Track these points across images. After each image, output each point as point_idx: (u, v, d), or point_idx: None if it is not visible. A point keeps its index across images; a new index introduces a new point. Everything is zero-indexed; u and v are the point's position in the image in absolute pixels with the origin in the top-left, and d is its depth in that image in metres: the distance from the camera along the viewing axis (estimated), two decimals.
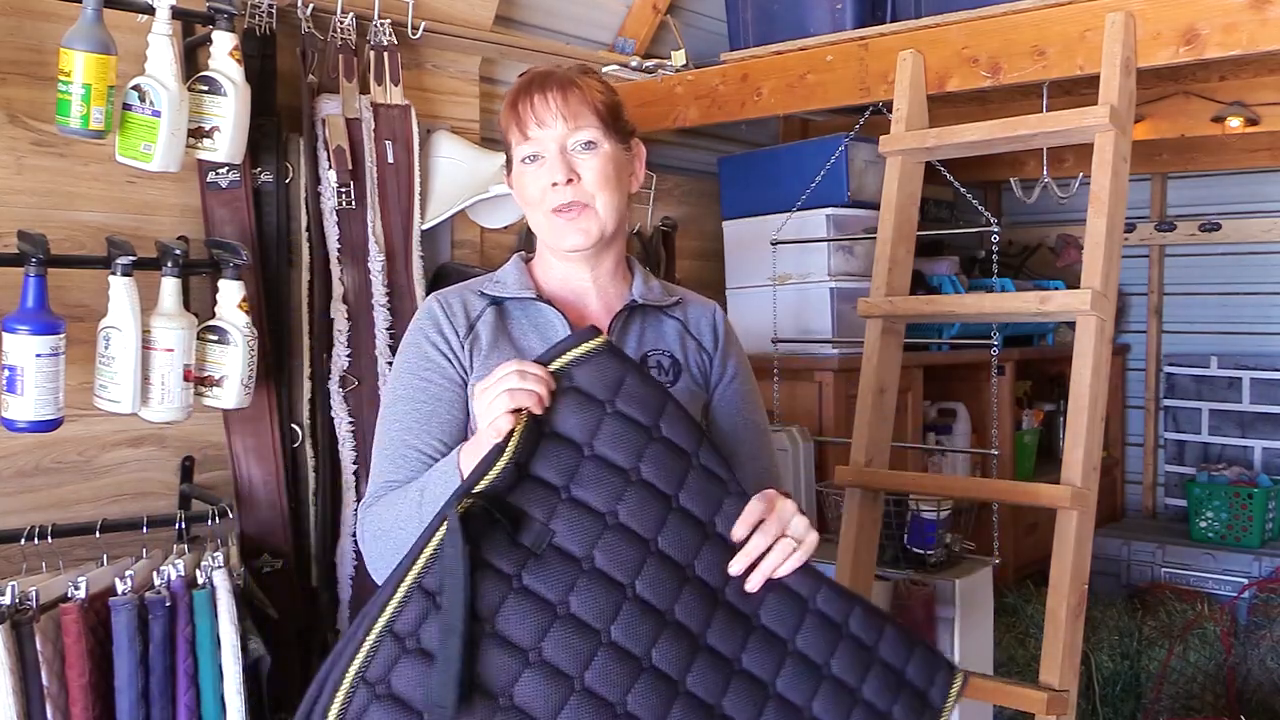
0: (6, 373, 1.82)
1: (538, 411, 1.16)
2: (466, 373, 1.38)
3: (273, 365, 2.26)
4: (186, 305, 2.06)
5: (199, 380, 2.05)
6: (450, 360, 1.38)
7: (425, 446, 1.34)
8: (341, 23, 2.39)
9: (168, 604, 1.85)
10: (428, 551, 1.12)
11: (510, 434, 1.14)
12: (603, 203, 1.38)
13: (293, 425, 2.30)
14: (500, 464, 1.14)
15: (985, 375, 3.03)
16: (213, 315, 2.08)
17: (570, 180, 1.36)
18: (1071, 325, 2.31)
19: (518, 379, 1.15)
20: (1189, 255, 4.46)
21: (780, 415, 3.07)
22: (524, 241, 2.91)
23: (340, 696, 1.08)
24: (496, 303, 1.43)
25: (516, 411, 1.15)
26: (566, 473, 1.17)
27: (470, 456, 1.20)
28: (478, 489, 1.13)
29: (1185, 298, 4.49)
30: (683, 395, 1.39)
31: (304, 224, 2.33)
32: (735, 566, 1.22)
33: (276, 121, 2.30)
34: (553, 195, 1.37)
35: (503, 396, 1.15)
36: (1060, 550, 2.08)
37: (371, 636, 1.10)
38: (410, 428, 1.35)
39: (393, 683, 1.09)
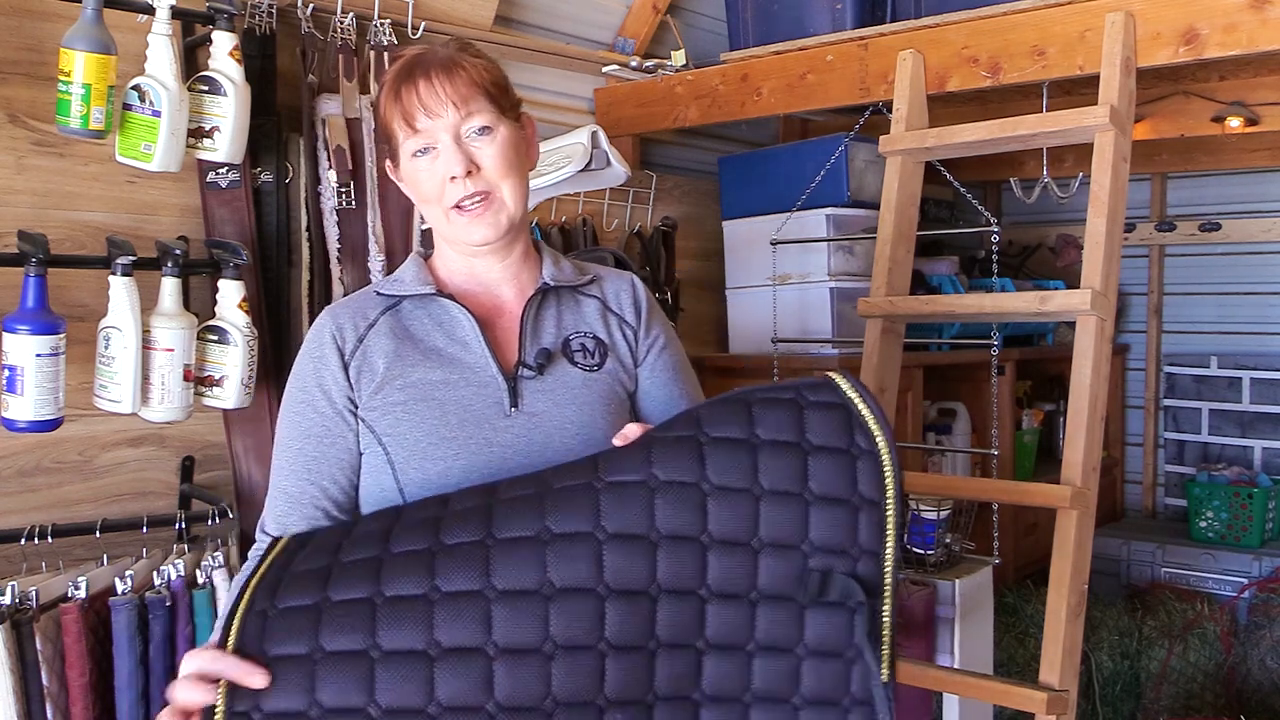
0: (6, 373, 1.82)
1: None
2: (353, 400, 1.29)
3: (273, 365, 2.26)
4: (186, 305, 2.06)
5: (199, 380, 2.05)
6: (325, 391, 1.29)
7: (298, 492, 1.27)
8: (341, 23, 2.39)
9: (168, 604, 1.85)
10: None
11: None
12: (508, 190, 1.30)
13: None
14: None
15: (985, 375, 3.03)
16: (213, 315, 2.08)
17: (470, 172, 1.27)
18: (1071, 325, 2.31)
19: (185, 689, 1.04)
20: (1189, 255, 4.46)
21: None
22: None
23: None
24: (396, 304, 1.34)
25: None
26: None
27: None
28: None
29: (1185, 298, 4.49)
30: (608, 379, 1.35)
31: (304, 224, 2.33)
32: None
33: (276, 121, 2.30)
34: (452, 190, 1.28)
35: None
36: (1060, 550, 2.08)
37: None
38: (283, 469, 1.29)
39: None
